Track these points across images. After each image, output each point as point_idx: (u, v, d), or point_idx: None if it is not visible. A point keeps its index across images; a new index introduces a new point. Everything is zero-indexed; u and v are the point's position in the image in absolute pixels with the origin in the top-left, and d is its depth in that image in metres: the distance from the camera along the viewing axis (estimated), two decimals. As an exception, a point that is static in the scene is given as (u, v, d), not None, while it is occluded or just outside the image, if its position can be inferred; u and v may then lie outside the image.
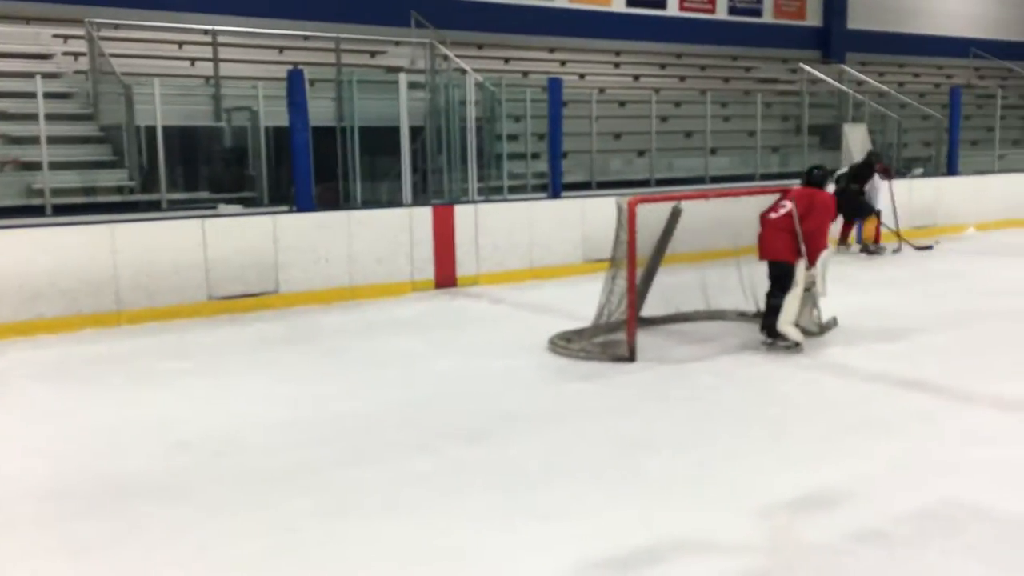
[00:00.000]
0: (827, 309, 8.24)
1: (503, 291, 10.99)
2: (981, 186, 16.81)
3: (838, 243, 13.86)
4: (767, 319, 7.93)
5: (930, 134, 18.15)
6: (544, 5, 19.13)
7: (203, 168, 12.40)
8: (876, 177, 13.53)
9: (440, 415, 6.36)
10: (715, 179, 15.40)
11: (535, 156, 13.65)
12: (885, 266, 12.78)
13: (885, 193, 13.69)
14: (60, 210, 10.25)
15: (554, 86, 12.47)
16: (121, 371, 7.66)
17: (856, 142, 16.02)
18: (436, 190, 12.76)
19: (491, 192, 12.74)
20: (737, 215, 8.17)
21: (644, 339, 7.88)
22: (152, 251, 9.41)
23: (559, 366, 7.60)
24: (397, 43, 15.53)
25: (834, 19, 23.55)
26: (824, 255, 7.87)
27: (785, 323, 7.78)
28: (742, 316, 8.82)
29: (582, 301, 8.64)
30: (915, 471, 5.23)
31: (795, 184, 8.46)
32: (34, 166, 10.51)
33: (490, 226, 11.55)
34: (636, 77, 19.09)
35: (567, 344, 7.98)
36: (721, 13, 21.93)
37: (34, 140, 10.41)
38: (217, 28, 12.92)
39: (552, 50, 18.75)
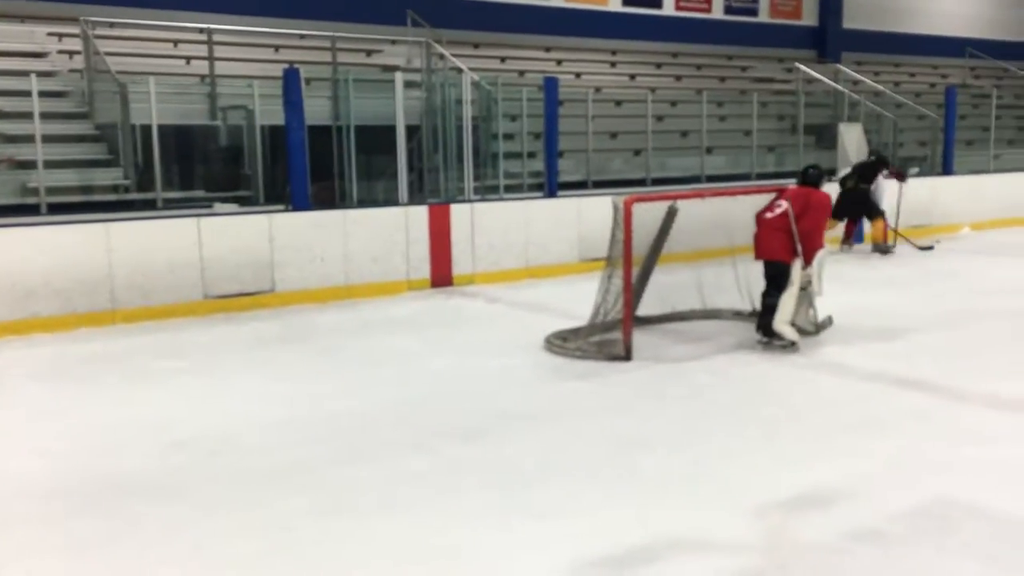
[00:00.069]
0: (823, 308, 8.24)
1: (499, 290, 10.99)
2: (976, 186, 16.84)
3: (841, 242, 13.88)
4: (763, 318, 7.94)
5: (925, 134, 18.17)
6: (540, 4, 19.12)
7: (199, 167, 12.37)
8: (880, 177, 13.54)
9: (436, 414, 6.36)
10: (711, 178, 15.41)
11: (531, 155, 13.64)
12: (881, 266, 12.79)
13: (890, 193, 13.70)
14: (55, 209, 10.22)
15: (550, 85, 12.47)
16: (116, 370, 7.65)
17: (852, 142, 16.03)
18: (432, 189, 12.75)
19: (487, 191, 12.73)
20: (733, 214, 8.17)
21: (640, 338, 7.88)
22: (147, 250, 9.40)
23: (555, 365, 7.60)
24: (393, 42, 15.51)
25: (830, 19, 23.56)
26: (820, 254, 7.87)
27: (781, 322, 7.79)
28: (738, 315, 8.83)
29: (578, 300, 8.64)
30: (910, 470, 5.23)
31: (791, 184, 8.46)
32: (29, 165, 10.48)
33: (486, 225, 11.55)
34: (632, 76, 19.09)
35: (563, 343, 7.98)
36: (717, 13, 21.93)
37: (29, 139, 10.38)
38: (213, 27, 12.88)
39: (548, 49, 18.75)
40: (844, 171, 14.24)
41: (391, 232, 10.87)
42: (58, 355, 8.18)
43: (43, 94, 10.84)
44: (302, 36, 14.85)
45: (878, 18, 24.41)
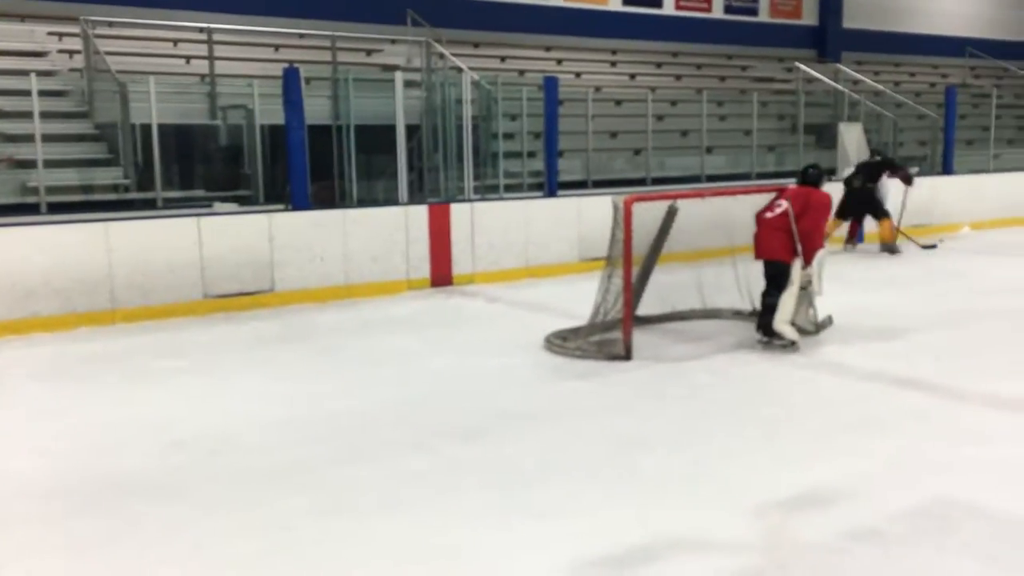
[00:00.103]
0: (823, 308, 8.24)
1: (499, 290, 10.99)
2: (976, 185, 16.84)
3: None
4: (763, 318, 7.94)
5: (925, 133, 18.17)
6: (540, 4, 19.12)
7: (199, 166, 12.38)
8: (884, 176, 13.54)
9: (436, 413, 6.36)
10: (711, 178, 15.41)
11: (531, 155, 13.64)
12: (881, 265, 12.79)
13: (895, 193, 13.70)
14: (55, 208, 10.22)
15: (550, 85, 12.47)
16: (116, 370, 7.65)
17: (852, 141, 16.03)
18: (432, 188, 12.75)
19: (487, 191, 12.73)
20: (733, 214, 8.17)
21: (640, 338, 7.88)
22: (147, 249, 9.40)
23: (555, 364, 7.60)
24: (393, 41, 15.51)
25: (830, 18, 23.56)
26: (820, 254, 7.87)
27: (781, 322, 7.79)
28: (738, 315, 8.83)
29: (578, 300, 8.64)
30: (910, 470, 5.23)
31: (791, 183, 8.46)
32: (29, 164, 10.48)
33: (486, 225, 11.55)
34: (632, 76, 19.09)
35: (563, 343, 7.98)
36: (717, 12, 21.93)
37: (29, 138, 10.38)
38: (212, 26, 12.88)
39: (548, 49, 18.75)
40: (847, 170, 14.23)
41: (391, 231, 10.87)
42: (58, 354, 8.18)
43: (43, 93, 10.85)
44: (302, 35, 14.85)
45: (878, 18, 24.41)
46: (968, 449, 5.53)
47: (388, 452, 5.59)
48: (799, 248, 7.76)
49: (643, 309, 8.46)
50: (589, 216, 11.80)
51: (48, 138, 10.54)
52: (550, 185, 12.53)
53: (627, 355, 7.60)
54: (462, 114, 12.51)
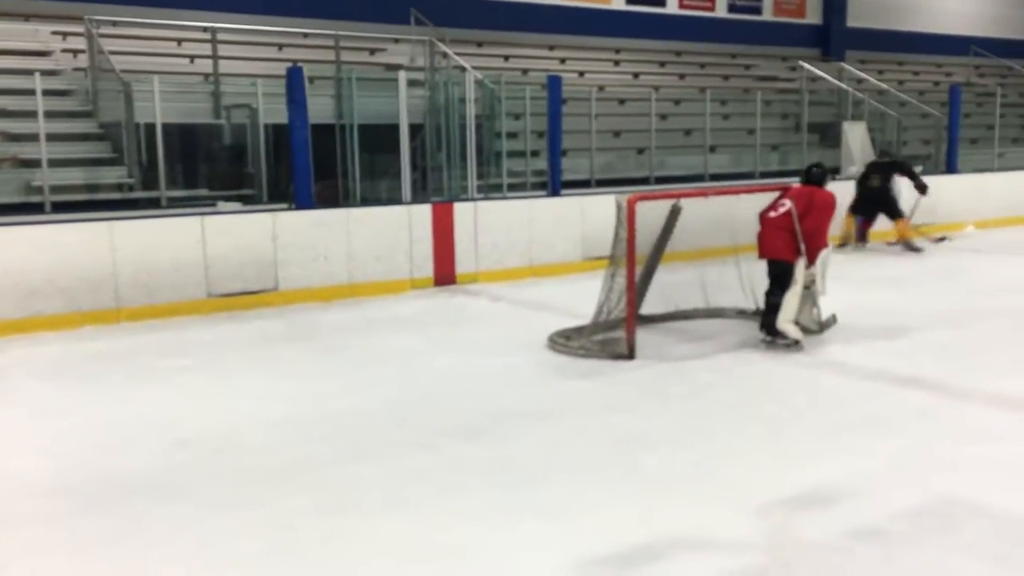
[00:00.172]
0: (827, 307, 8.24)
1: (502, 289, 11.00)
2: (980, 184, 16.81)
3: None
4: (766, 317, 7.94)
5: (929, 132, 18.15)
6: (544, 3, 19.13)
7: (202, 165, 12.40)
8: (896, 177, 13.55)
9: (439, 413, 6.36)
10: (714, 177, 15.40)
11: (534, 154, 13.65)
12: (885, 264, 12.78)
13: (906, 194, 13.68)
14: (59, 207, 10.24)
15: (553, 84, 12.47)
16: (120, 368, 7.66)
17: (856, 140, 16.03)
18: (435, 188, 12.76)
19: (490, 190, 12.74)
20: (736, 213, 8.17)
21: (643, 337, 7.88)
22: (151, 248, 9.41)
23: (558, 364, 7.60)
24: (397, 41, 15.53)
25: (834, 17, 23.55)
26: (824, 253, 7.86)
27: (784, 321, 7.78)
28: (741, 314, 8.82)
29: (581, 299, 8.65)
30: (913, 469, 5.23)
31: (795, 182, 8.45)
32: (33, 163, 10.50)
33: (489, 224, 11.55)
34: (636, 75, 19.09)
35: (566, 342, 7.98)
36: (721, 11, 21.94)
37: (33, 137, 10.40)
38: (216, 25, 12.91)
39: (552, 48, 18.75)
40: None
41: (394, 231, 10.87)
42: (62, 353, 8.20)
43: (47, 93, 10.86)
44: (306, 35, 14.88)
45: (882, 16, 24.40)
46: (972, 448, 5.53)
47: (391, 451, 5.60)
48: (803, 247, 7.75)
49: (646, 308, 8.46)
50: (592, 215, 11.80)
51: (52, 137, 10.57)
52: (553, 184, 12.53)
53: (630, 354, 7.60)
54: (465, 113, 12.51)
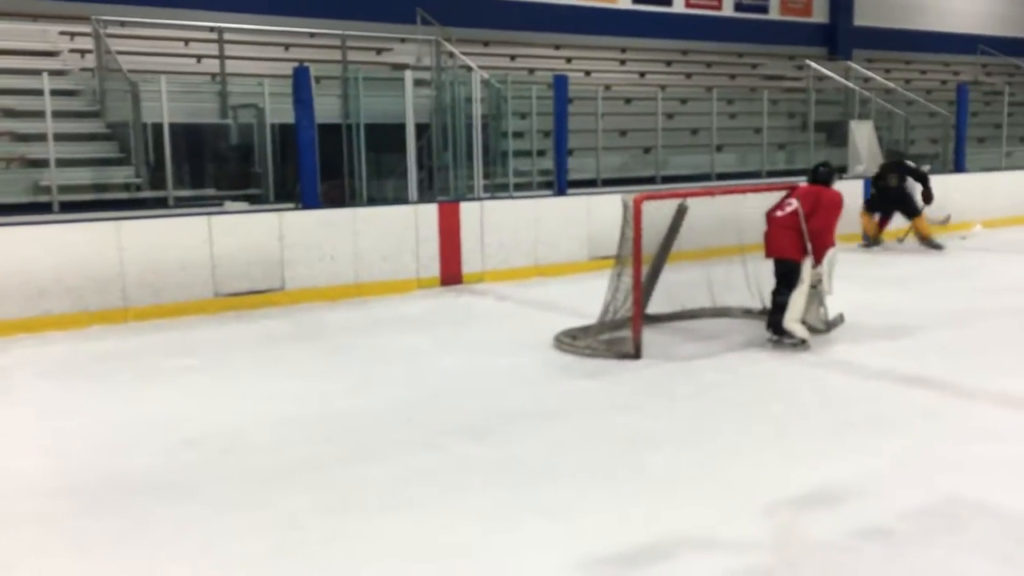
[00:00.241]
0: (834, 306, 8.22)
1: (508, 288, 11.00)
2: (988, 183, 16.76)
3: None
4: (773, 316, 7.93)
5: (937, 131, 18.12)
6: (550, 2, 19.12)
7: (209, 165, 12.43)
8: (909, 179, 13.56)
9: (445, 412, 6.37)
10: (721, 176, 15.40)
11: (541, 153, 13.66)
12: (892, 264, 12.75)
13: (918, 193, 13.68)
14: (67, 207, 10.27)
15: (560, 83, 12.47)
16: (127, 368, 7.68)
17: (863, 139, 15.99)
18: (442, 187, 12.77)
19: (497, 189, 12.74)
20: (743, 213, 8.16)
21: (649, 336, 7.88)
22: (158, 248, 9.44)
23: (564, 363, 7.60)
24: (403, 40, 15.54)
25: (840, 16, 23.50)
26: (831, 253, 7.85)
27: (791, 320, 7.77)
28: (748, 313, 8.82)
29: (587, 298, 8.65)
30: (919, 468, 5.22)
31: (801, 181, 8.44)
32: (41, 163, 10.54)
33: (496, 223, 11.56)
34: (642, 74, 19.08)
35: (572, 341, 7.99)
36: (727, 10, 21.91)
37: (41, 137, 10.44)
38: (223, 25, 12.93)
39: (558, 47, 18.75)
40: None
41: (401, 230, 10.88)
42: (69, 353, 8.22)
43: (55, 93, 10.90)
44: (312, 35, 14.89)
45: (889, 15, 24.34)
46: (978, 447, 5.52)
47: (397, 451, 5.60)
48: (809, 247, 7.74)
49: (653, 308, 8.46)
50: (599, 215, 11.80)
51: (60, 137, 10.60)
52: (560, 184, 12.53)
53: (637, 354, 7.59)
54: (472, 113, 12.51)
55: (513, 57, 17.50)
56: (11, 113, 11.18)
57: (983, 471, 5.15)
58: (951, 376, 6.97)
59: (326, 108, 11.89)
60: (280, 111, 11.63)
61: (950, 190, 15.78)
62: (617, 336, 7.91)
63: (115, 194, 10.93)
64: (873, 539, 4.32)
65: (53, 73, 11.55)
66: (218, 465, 5.42)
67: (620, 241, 7.94)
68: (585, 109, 14.41)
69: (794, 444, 5.65)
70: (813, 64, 18.39)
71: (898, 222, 13.90)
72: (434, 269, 11.10)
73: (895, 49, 23.87)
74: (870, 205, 13.71)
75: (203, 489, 5.07)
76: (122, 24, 13.16)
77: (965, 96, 16.79)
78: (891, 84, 18.93)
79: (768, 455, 5.45)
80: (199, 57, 13.71)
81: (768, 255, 7.97)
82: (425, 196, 12.11)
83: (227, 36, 12.92)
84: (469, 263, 11.34)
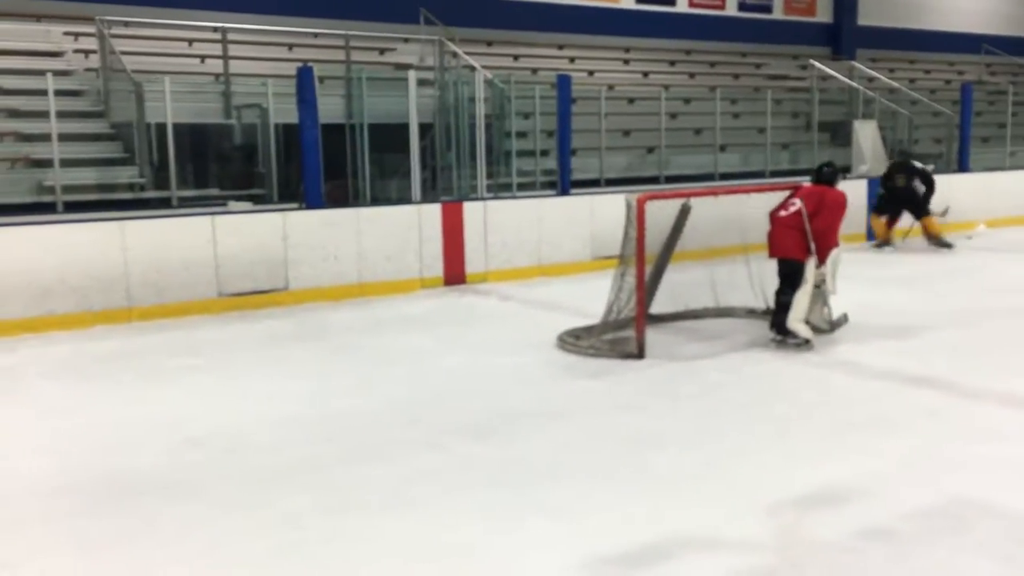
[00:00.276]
0: (838, 306, 8.21)
1: (512, 288, 11.00)
2: (992, 183, 16.73)
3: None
4: (776, 316, 7.92)
5: (941, 131, 18.09)
6: (553, 2, 19.12)
7: (213, 165, 12.45)
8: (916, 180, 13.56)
9: (448, 412, 6.37)
10: (724, 176, 15.39)
11: (544, 153, 13.65)
12: (895, 264, 12.74)
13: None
14: (71, 207, 10.29)
15: (563, 83, 12.46)
16: (131, 368, 7.69)
17: (867, 139, 15.98)
18: (445, 187, 12.77)
19: (500, 189, 12.75)
20: (746, 213, 8.16)
21: (653, 336, 7.87)
22: (162, 248, 9.45)
23: (567, 363, 7.60)
24: (406, 40, 15.54)
25: (844, 15, 23.49)
26: (834, 253, 7.84)
27: (795, 320, 7.77)
28: (751, 313, 8.81)
29: (591, 298, 8.64)
30: (924, 468, 5.21)
31: (805, 181, 8.43)
32: (45, 163, 10.57)
33: (499, 223, 11.55)
34: (645, 74, 19.07)
35: (576, 341, 7.98)
36: (731, 9, 21.90)
37: (45, 137, 10.46)
38: (227, 26, 12.95)
39: (561, 47, 18.75)
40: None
41: (404, 230, 10.88)
42: (74, 353, 8.23)
43: (59, 93, 10.92)
44: (316, 35, 14.92)
45: (893, 14, 24.32)
46: (982, 448, 5.51)
47: (400, 450, 5.61)
48: (813, 247, 7.73)
49: (656, 307, 8.45)
50: (602, 215, 11.79)
51: (64, 137, 10.62)
52: (563, 183, 12.52)
53: (640, 354, 7.59)
54: (475, 113, 12.52)
55: (516, 57, 17.50)
56: (15, 113, 11.21)
57: (988, 472, 5.14)
58: (956, 376, 6.96)
59: (330, 108, 11.91)
60: (284, 111, 11.64)
61: (954, 190, 15.77)
62: (620, 336, 7.91)
63: (119, 194, 10.95)
64: (877, 540, 4.32)
65: (57, 73, 11.58)
66: (222, 465, 5.43)
67: (623, 241, 7.94)
68: (588, 109, 14.41)
69: (798, 444, 5.64)
70: (817, 64, 18.37)
71: (901, 221, 13.88)
72: (437, 269, 11.10)
73: (899, 48, 23.85)
74: (879, 207, 13.69)
75: (207, 489, 5.07)
76: (126, 24, 13.18)
77: (969, 95, 16.76)
78: (895, 84, 18.90)
79: (772, 455, 5.44)
80: (203, 57, 13.73)
81: (772, 255, 7.96)
82: (428, 196, 12.11)
83: (231, 36, 12.93)
84: (472, 263, 11.35)
